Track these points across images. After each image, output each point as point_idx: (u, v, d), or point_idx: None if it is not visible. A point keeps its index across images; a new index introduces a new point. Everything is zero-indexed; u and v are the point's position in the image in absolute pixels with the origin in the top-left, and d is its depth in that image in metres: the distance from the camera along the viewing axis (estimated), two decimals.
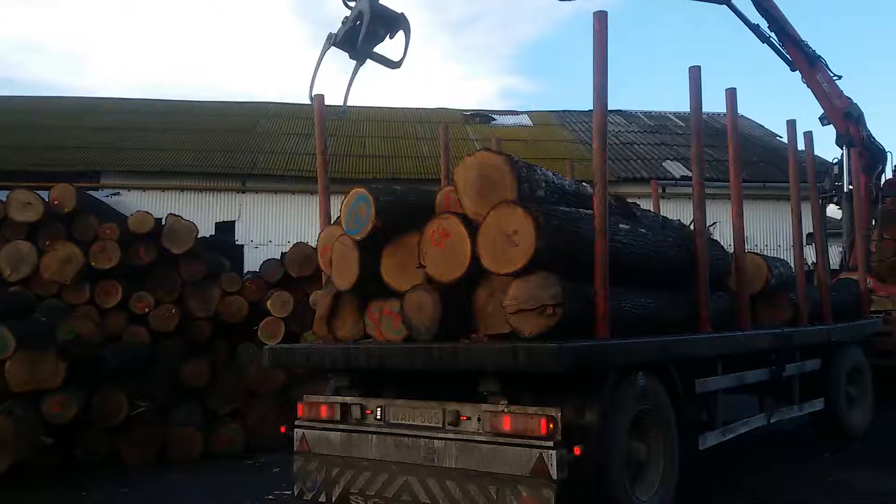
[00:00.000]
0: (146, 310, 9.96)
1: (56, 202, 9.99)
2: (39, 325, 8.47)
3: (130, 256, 10.06)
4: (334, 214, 7.09)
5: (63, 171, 15.21)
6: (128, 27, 64.75)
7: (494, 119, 23.86)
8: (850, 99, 12.97)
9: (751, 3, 11.84)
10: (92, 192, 14.11)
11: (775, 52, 12.36)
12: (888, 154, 13.22)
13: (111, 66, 66.03)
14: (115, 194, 15.40)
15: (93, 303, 9.72)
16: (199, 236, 10.71)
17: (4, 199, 9.91)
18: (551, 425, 4.36)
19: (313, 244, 10.74)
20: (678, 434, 5.45)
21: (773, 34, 12.23)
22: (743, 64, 71.35)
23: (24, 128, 18.61)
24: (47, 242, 9.72)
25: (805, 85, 12.72)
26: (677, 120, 24.04)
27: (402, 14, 7.94)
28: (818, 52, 12.59)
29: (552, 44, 76.73)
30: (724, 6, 11.91)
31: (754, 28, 12.14)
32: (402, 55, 8.05)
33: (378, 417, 5.22)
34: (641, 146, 21.09)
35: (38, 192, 10.14)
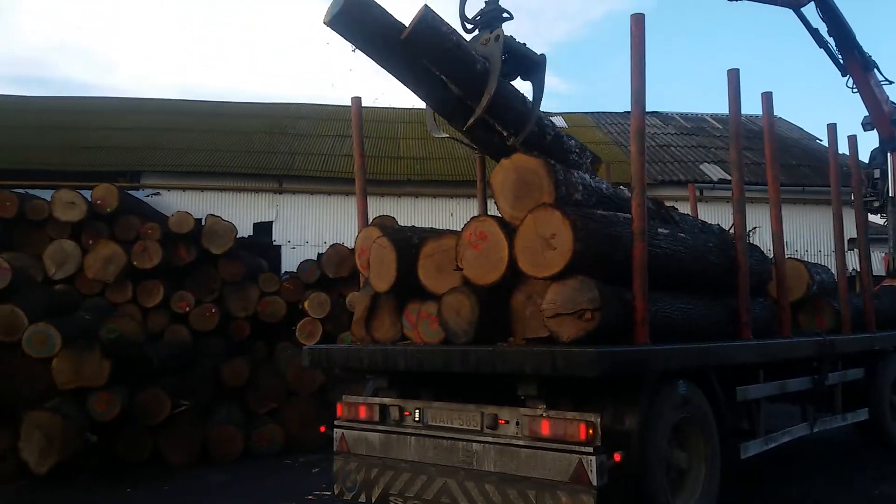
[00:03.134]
0: (187, 309, 10.15)
1: (98, 202, 10.23)
2: (84, 324, 8.64)
3: (171, 256, 10.25)
4: (371, 215, 7.18)
5: (104, 171, 15.48)
6: (162, 29, 65.69)
7: None
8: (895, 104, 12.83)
9: (814, 7, 11.71)
10: (133, 192, 14.35)
11: (830, 56, 12.26)
12: None
13: (145, 68, 67.11)
14: (155, 194, 15.65)
15: (135, 302, 9.93)
16: (237, 237, 10.87)
17: (49, 198, 10.16)
18: (591, 431, 4.35)
19: (349, 245, 10.87)
20: (719, 442, 5.39)
21: (831, 39, 12.10)
22: (779, 65, 70.16)
23: (65, 128, 18.95)
24: (90, 241, 9.96)
25: (851, 90, 12.55)
26: (714, 122, 23.72)
27: (542, 56, 6.35)
28: (872, 57, 12.45)
29: (584, 44, 76.25)
30: (790, 10, 11.81)
31: (814, 32, 12.02)
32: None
33: (416, 419, 5.26)
34: (678, 148, 20.86)
35: (81, 191, 10.37)
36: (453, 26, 5.83)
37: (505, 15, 6.31)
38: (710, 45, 70.59)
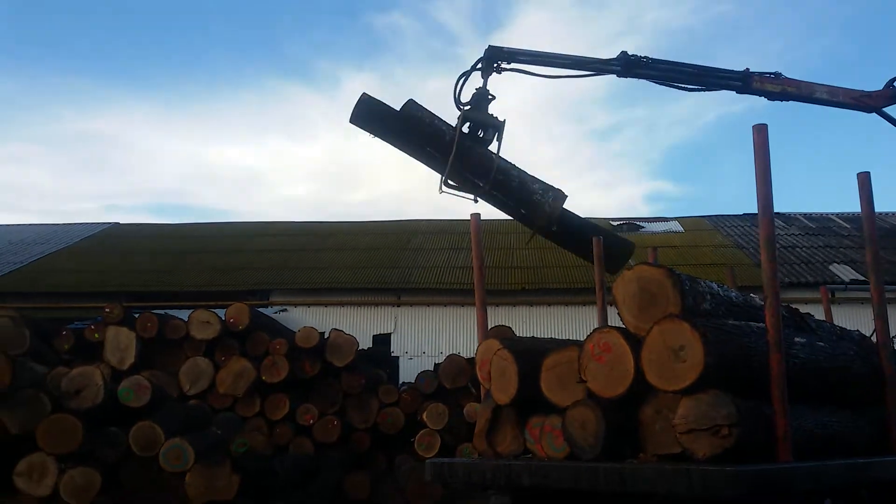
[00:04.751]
0: (311, 421, 10.35)
1: (231, 320, 10.77)
2: (215, 438, 8.94)
3: (297, 370, 10.57)
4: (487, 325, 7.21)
5: (237, 290, 16.42)
6: (290, 154, 70.66)
7: (643, 227, 23.56)
8: None
9: None
10: (262, 310, 15.05)
11: None
12: None
13: (273, 190, 71.98)
14: (282, 310, 16.36)
15: (262, 414, 10.22)
16: (358, 349, 11.13)
17: (186, 318, 10.81)
18: None
19: (465, 354, 10.91)
20: None
21: None
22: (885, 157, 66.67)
23: (203, 252, 20.43)
24: (223, 358, 10.45)
25: None
26: (841, 221, 22.79)
27: (501, 121, 8.20)
28: None
29: (697, 147, 75.71)
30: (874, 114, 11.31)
31: None
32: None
33: None
34: (804, 249, 20.07)
35: (216, 311, 10.99)
36: (429, 111, 8.20)
37: (490, 97, 8.29)
38: (823, 142, 68.47)
